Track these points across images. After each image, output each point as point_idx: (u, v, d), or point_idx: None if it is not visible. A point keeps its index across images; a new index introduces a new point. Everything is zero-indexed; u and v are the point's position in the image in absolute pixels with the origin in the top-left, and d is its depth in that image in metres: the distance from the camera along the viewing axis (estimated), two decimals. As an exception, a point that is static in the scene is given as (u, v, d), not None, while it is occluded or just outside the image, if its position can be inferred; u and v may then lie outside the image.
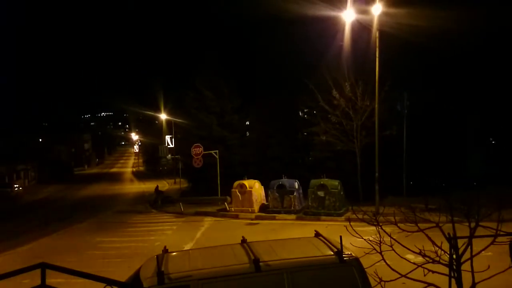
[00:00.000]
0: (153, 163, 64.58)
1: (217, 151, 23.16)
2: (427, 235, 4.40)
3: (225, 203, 21.11)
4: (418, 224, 4.51)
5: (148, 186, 40.67)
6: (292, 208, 18.97)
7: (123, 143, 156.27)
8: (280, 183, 19.51)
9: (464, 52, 20.62)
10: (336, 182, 18.21)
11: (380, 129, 17.96)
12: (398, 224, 4.43)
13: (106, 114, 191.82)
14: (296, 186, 19.44)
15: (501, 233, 4.34)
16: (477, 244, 4.35)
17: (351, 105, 20.33)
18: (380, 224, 4.54)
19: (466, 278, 4.27)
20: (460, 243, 4.30)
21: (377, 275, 4.43)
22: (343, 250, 4.96)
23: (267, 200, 20.67)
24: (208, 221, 19.44)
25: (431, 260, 4.35)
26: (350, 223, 4.93)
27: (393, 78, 18.75)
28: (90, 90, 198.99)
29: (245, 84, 30.28)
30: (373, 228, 4.44)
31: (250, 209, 20.00)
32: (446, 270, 4.34)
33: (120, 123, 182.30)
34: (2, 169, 45.03)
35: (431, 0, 19.97)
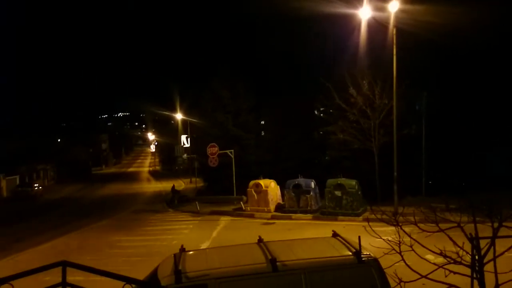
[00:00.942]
0: (169, 162, 65.08)
1: (232, 150, 23.22)
2: (448, 235, 4.31)
3: (241, 203, 21.14)
4: (439, 224, 4.42)
5: (165, 186, 41.08)
6: (309, 208, 18.87)
7: (139, 143, 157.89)
8: (296, 182, 19.41)
9: (483, 49, 20.17)
10: (353, 182, 18.02)
11: (398, 128, 17.71)
12: (418, 224, 4.35)
13: (123, 115, 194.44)
14: (313, 186, 19.33)
15: (525, 233, 4.23)
16: (500, 245, 4.24)
17: (368, 103, 20.09)
18: (400, 224, 4.46)
19: (488, 280, 4.17)
20: (482, 244, 4.19)
21: (396, 275, 4.35)
22: (362, 251, 4.90)
23: (283, 200, 20.63)
24: (224, 220, 19.51)
25: (452, 261, 4.25)
26: (368, 223, 4.86)
27: (410, 76, 18.48)
28: (107, 90, 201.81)
29: (260, 84, 30.29)
30: (392, 228, 4.36)
31: (266, 208, 19.98)
32: (467, 271, 4.24)
33: (136, 123, 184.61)
34: (23, 169, 45.90)
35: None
